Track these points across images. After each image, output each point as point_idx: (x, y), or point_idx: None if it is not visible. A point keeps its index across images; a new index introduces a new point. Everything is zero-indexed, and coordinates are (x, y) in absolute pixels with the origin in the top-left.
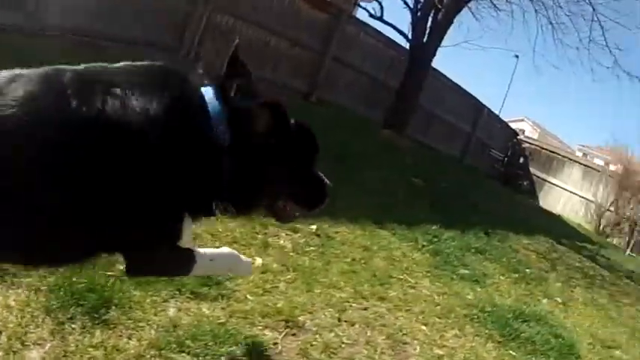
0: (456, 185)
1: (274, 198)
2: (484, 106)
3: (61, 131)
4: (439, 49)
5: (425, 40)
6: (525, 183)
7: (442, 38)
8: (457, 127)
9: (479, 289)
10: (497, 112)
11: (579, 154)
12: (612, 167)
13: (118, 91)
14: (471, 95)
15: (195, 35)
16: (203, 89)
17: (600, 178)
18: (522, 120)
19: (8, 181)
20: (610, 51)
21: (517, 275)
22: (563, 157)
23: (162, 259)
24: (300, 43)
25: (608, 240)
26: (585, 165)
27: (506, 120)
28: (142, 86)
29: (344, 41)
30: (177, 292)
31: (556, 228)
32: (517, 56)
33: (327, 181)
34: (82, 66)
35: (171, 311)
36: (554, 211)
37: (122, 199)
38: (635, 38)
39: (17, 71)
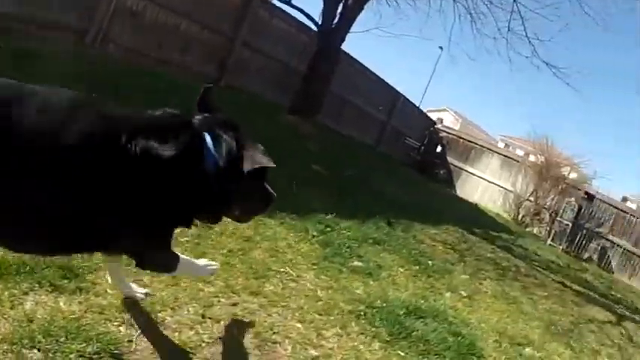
0: (365, 173)
1: (237, 209)
2: (400, 94)
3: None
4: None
5: (334, 24)
6: (442, 172)
7: (352, 24)
8: (371, 115)
9: (371, 283)
10: (419, 102)
11: (501, 144)
12: (532, 158)
13: (148, 138)
14: (386, 83)
15: (105, 17)
16: (205, 134)
17: (519, 169)
18: (445, 110)
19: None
20: (529, 41)
21: (418, 267)
22: (482, 146)
23: (162, 258)
24: (210, 27)
25: (528, 230)
26: (504, 155)
27: (428, 110)
28: (165, 134)
29: (255, 26)
30: (37, 285)
31: (470, 217)
32: (441, 48)
33: (273, 193)
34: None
35: (28, 305)
36: (471, 200)
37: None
38: (556, 29)
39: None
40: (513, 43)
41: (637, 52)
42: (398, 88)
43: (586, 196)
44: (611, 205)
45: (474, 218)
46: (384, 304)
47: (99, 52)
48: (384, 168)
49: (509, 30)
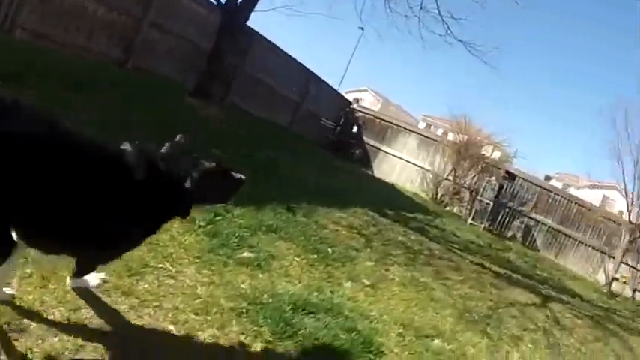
0: (273, 155)
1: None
2: (315, 74)
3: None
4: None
5: (238, 3)
6: (358, 152)
7: (256, 1)
8: (285, 96)
9: (260, 276)
10: (339, 83)
11: (423, 124)
12: (451, 137)
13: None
14: (300, 64)
15: (13, 2)
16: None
17: (437, 148)
18: (365, 90)
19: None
20: (443, 19)
21: (316, 256)
22: (398, 126)
23: None
24: (118, 9)
25: (448, 209)
26: (422, 134)
27: (348, 90)
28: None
29: (165, 6)
30: None
31: (384, 199)
32: (362, 28)
33: (242, 177)
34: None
35: None
36: (388, 180)
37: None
38: (472, 7)
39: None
40: (427, 22)
41: (556, 27)
42: (320, 70)
43: (507, 175)
44: (533, 183)
45: (387, 199)
46: (271, 300)
47: (6, 38)
48: (295, 149)
49: (421, 9)
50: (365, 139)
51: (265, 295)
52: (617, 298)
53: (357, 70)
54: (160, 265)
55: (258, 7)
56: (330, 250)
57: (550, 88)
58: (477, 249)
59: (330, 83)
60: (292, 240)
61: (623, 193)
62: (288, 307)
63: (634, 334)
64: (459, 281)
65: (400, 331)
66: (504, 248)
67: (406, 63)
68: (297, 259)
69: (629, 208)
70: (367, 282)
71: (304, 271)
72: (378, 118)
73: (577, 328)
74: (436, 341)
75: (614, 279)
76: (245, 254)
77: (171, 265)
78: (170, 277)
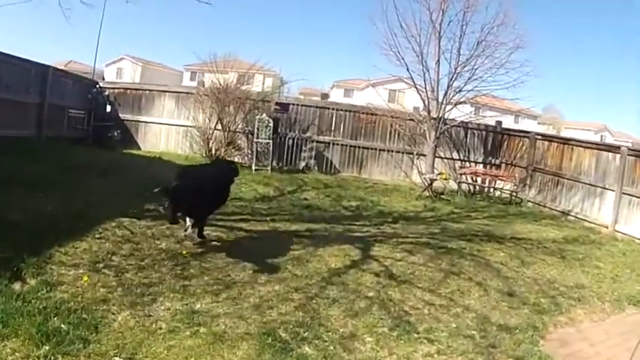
0: None
1: None
2: (48, 66)
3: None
4: None
5: None
6: (117, 133)
7: None
8: (21, 103)
9: None
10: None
11: (187, 74)
12: (209, 82)
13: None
14: (29, 61)
15: None
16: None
17: (196, 100)
18: (122, 59)
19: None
20: None
21: None
22: (150, 90)
23: None
24: None
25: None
26: (176, 92)
27: (106, 64)
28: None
29: None
30: None
31: (146, 181)
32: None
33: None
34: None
35: None
36: (156, 151)
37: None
38: None
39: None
40: None
41: None
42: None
43: (279, 107)
44: (309, 105)
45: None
46: None
47: None
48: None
49: None
50: (121, 115)
51: None
52: (442, 196)
53: (113, 40)
54: None
55: None
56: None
57: None
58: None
59: (77, 70)
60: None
61: (411, 83)
62: None
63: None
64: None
65: None
66: (298, 187)
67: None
68: None
69: (427, 102)
70: None
71: None
72: (127, 88)
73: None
74: None
75: (433, 181)
76: None
77: None
78: None
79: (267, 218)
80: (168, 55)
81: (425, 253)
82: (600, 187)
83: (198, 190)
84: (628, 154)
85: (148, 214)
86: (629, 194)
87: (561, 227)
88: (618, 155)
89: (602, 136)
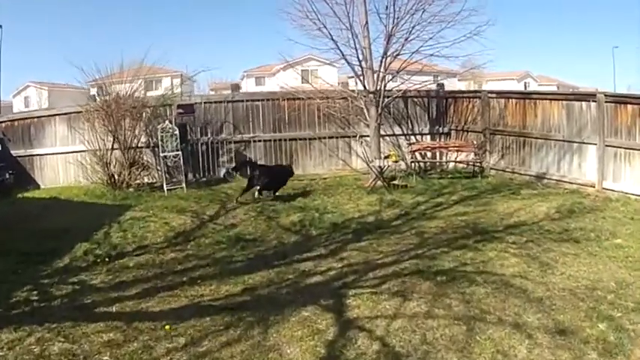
0: None
1: None
2: None
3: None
4: None
5: None
6: (8, 175)
7: None
8: None
9: None
10: None
11: (94, 90)
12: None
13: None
14: None
15: None
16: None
17: (87, 119)
18: (27, 86)
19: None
20: None
21: None
22: (38, 117)
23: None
24: None
25: (139, 182)
26: (65, 113)
27: (13, 95)
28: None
29: None
30: None
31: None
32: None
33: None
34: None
35: None
36: (57, 186)
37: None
38: None
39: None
40: None
41: None
42: None
43: (182, 111)
44: (218, 101)
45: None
46: None
47: None
48: None
49: None
50: (13, 152)
51: None
52: (395, 182)
53: (18, 68)
54: None
55: None
56: None
57: None
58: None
59: None
60: None
61: (324, 59)
62: None
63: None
64: None
65: None
66: (222, 205)
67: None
68: None
69: (362, 74)
70: None
71: None
72: (14, 120)
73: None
74: None
75: (381, 169)
76: None
77: None
78: None
79: (185, 279)
80: (76, 72)
81: (422, 291)
82: (577, 142)
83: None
84: (606, 102)
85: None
86: (613, 146)
87: (546, 196)
88: (594, 104)
89: (525, 82)
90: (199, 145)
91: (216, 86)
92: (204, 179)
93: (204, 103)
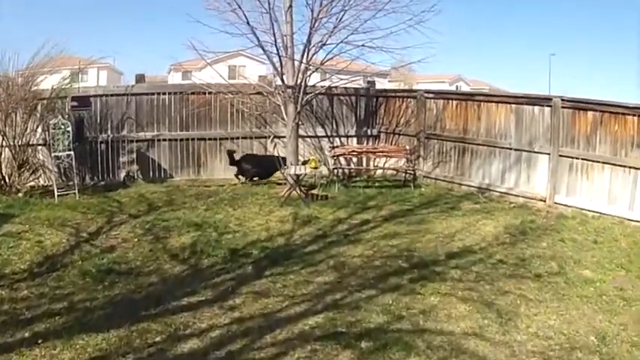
0: None
1: None
2: None
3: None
4: None
5: None
6: None
7: None
8: None
9: None
10: None
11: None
12: None
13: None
14: None
15: None
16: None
17: None
18: None
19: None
20: None
21: None
22: None
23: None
24: None
25: (32, 185)
26: None
27: None
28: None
29: None
30: None
31: None
32: None
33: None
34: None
35: None
36: None
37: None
38: None
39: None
40: None
41: None
42: None
43: (76, 104)
44: (122, 94)
45: None
46: None
47: None
48: None
49: None
50: None
51: None
52: (314, 192)
53: None
54: None
55: None
56: None
57: None
58: None
59: None
60: None
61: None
62: None
63: None
64: None
65: None
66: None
67: None
68: None
69: (280, 65)
70: None
71: None
72: None
73: None
74: None
75: (298, 177)
76: None
77: None
78: None
79: (27, 334)
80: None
81: None
82: (527, 150)
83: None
84: (563, 107)
85: None
86: (569, 156)
87: (490, 213)
88: (548, 109)
89: (457, 86)
90: (98, 143)
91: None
92: (103, 182)
93: (104, 95)
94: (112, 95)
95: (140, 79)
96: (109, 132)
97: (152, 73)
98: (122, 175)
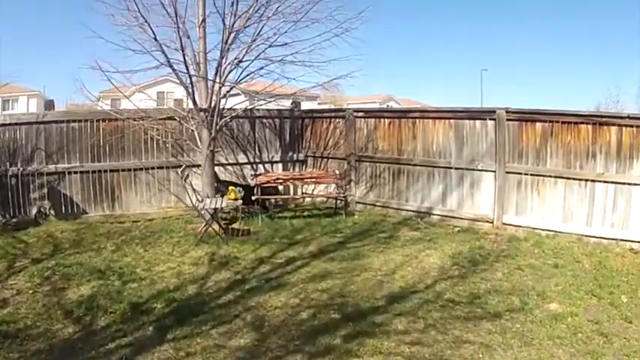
0: None
1: None
2: None
3: None
4: None
5: None
6: None
7: None
8: None
9: None
10: None
11: None
12: None
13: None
14: None
15: None
16: None
17: None
18: None
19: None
20: None
21: None
22: None
23: None
24: None
25: None
26: None
27: None
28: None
29: None
30: None
31: None
32: None
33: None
34: None
35: None
36: None
37: None
38: None
39: None
40: None
41: None
42: None
43: None
44: (27, 122)
45: None
46: None
47: None
48: None
49: None
50: None
51: None
52: (234, 227)
53: None
54: None
55: None
56: None
57: None
58: None
59: None
60: None
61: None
62: None
63: None
64: None
65: None
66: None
67: None
68: None
69: (191, 87)
70: None
71: None
72: None
73: None
74: None
75: (215, 211)
76: None
77: None
78: None
79: None
80: None
81: None
82: (469, 169)
83: None
84: (508, 120)
85: None
86: (517, 172)
87: (433, 240)
88: (491, 122)
89: (388, 105)
90: (8, 177)
91: (74, 109)
92: (15, 220)
93: (14, 124)
94: (21, 124)
95: (49, 105)
96: (19, 165)
97: (81, 101)
98: (34, 211)
